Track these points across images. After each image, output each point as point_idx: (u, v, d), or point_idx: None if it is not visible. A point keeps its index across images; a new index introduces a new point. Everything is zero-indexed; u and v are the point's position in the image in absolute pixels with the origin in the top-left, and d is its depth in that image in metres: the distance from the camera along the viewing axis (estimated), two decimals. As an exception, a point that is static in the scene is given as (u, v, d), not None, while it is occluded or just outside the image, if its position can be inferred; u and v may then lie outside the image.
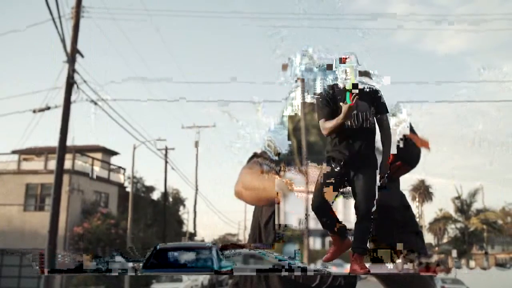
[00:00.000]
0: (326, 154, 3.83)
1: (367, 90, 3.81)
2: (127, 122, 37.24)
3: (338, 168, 3.71)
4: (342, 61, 3.76)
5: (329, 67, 3.86)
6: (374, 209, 3.76)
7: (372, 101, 3.80)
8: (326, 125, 3.69)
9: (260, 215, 4.46)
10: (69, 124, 16.54)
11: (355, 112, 3.73)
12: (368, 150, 3.84)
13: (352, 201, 4.11)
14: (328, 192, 3.75)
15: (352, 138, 3.77)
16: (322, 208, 3.79)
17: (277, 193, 4.27)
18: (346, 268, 4.15)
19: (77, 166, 25.89)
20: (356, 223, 3.76)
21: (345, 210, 4.06)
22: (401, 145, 4.66)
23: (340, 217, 3.92)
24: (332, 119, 3.60)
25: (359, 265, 3.68)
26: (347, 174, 3.74)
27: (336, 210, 3.85)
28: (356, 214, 3.75)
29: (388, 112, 3.80)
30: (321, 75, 4.32)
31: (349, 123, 3.73)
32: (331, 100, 3.76)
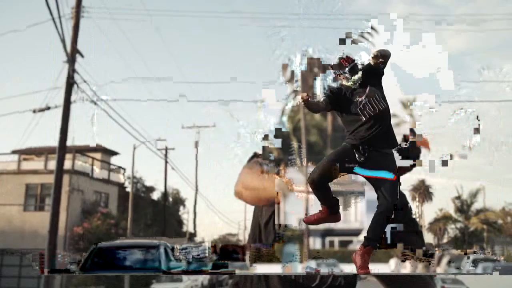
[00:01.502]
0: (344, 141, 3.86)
1: (368, 70, 3.81)
2: (127, 122, 37.14)
3: (354, 153, 3.73)
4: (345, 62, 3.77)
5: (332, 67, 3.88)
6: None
7: (375, 79, 3.81)
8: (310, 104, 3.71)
9: (260, 215, 4.45)
10: (69, 124, 16.55)
11: (363, 100, 3.75)
12: (383, 134, 3.85)
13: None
14: (334, 169, 3.75)
15: (366, 124, 3.79)
16: (320, 181, 3.79)
17: (277, 193, 4.27)
18: (339, 267, 4.15)
19: (77, 166, 25.88)
20: (376, 215, 3.77)
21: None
22: (403, 146, 4.66)
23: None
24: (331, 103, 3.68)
25: (362, 262, 3.68)
26: (362, 160, 3.75)
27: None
28: (378, 206, 3.76)
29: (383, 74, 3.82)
30: (321, 76, 4.32)
31: (360, 112, 3.76)
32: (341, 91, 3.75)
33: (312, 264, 4.40)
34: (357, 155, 3.74)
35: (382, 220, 3.77)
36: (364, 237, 3.79)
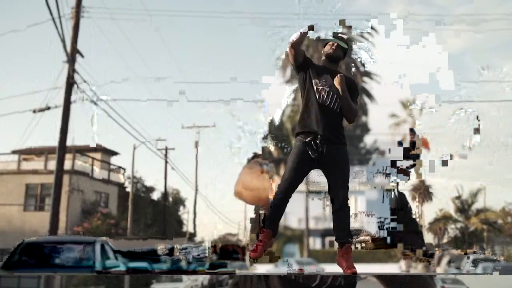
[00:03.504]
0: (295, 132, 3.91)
1: (348, 78, 3.92)
2: (127, 122, 37.14)
3: (309, 148, 3.76)
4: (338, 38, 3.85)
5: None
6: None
7: (348, 87, 3.89)
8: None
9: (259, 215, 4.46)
10: (69, 124, 16.53)
11: (327, 89, 3.81)
12: (338, 131, 3.89)
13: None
14: (297, 177, 3.77)
15: (322, 114, 3.85)
16: (280, 202, 3.82)
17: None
18: (314, 266, 4.16)
19: (77, 166, 25.86)
20: (334, 212, 3.78)
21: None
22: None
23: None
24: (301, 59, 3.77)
25: (347, 263, 3.70)
26: (318, 157, 3.77)
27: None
28: (334, 202, 3.78)
29: (357, 103, 3.95)
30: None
31: (319, 96, 3.81)
32: (311, 63, 3.83)
33: (294, 264, 4.41)
34: (310, 152, 3.78)
35: (344, 215, 3.80)
36: (335, 239, 3.81)
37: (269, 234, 3.90)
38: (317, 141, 3.78)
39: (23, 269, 6.33)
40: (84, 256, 6.30)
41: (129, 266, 5.09)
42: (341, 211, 3.75)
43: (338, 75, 3.84)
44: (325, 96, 3.84)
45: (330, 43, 3.93)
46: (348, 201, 3.79)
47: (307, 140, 3.79)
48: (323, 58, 4.00)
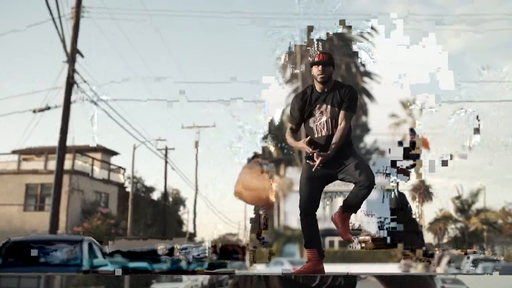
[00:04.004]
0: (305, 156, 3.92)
1: (344, 86, 3.89)
2: (127, 122, 37.01)
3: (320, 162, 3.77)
4: (319, 57, 3.82)
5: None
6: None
7: (344, 97, 3.87)
8: (289, 139, 3.91)
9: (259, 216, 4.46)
10: (69, 124, 16.53)
11: (324, 122, 3.83)
12: (346, 145, 3.92)
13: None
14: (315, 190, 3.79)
15: (326, 145, 3.85)
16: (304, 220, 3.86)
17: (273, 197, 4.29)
18: (286, 266, 4.17)
19: (77, 166, 25.85)
20: (358, 189, 3.78)
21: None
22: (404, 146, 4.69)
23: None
24: (299, 125, 3.80)
25: (345, 227, 3.76)
26: (331, 168, 3.79)
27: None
28: (359, 181, 3.76)
29: (354, 113, 3.92)
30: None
31: (319, 135, 3.83)
32: (306, 101, 3.85)
33: (287, 264, 4.41)
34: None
35: (364, 194, 3.81)
36: (344, 203, 3.83)
37: (314, 252, 3.94)
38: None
39: (9, 268, 6.27)
40: (71, 255, 6.26)
41: (129, 266, 5.09)
42: (363, 187, 3.76)
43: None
44: (324, 130, 3.88)
45: (315, 66, 3.90)
46: (371, 180, 3.75)
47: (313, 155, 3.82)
48: (315, 81, 4.01)
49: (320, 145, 3.80)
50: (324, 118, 3.83)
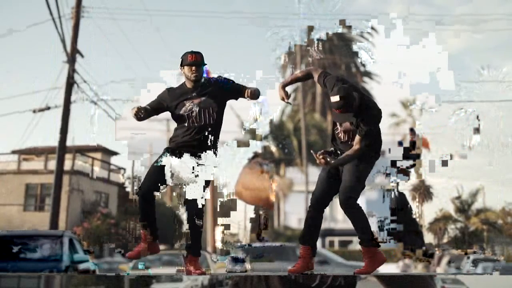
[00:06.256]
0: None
1: (358, 99, 3.78)
2: (127, 122, 37.01)
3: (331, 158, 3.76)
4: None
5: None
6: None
7: (360, 112, 3.77)
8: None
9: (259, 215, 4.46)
10: (69, 124, 16.53)
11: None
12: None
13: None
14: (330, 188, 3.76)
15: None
16: (309, 216, 3.81)
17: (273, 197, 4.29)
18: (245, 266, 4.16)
19: (77, 166, 25.84)
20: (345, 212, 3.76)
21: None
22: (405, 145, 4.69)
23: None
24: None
25: (365, 266, 3.69)
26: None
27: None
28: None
29: (371, 126, 3.75)
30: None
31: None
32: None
33: (239, 253, 4.43)
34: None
35: (352, 216, 3.76)
36: (364, 238, 3.77)
37: (308, 250, 3.91)
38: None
39: None
40: (52, 250, 6.22)
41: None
42: (346, 212, 3.71)
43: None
44: (345, 138, 3.86)
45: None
46: (352, 200, 3.67)
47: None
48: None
49: None
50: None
